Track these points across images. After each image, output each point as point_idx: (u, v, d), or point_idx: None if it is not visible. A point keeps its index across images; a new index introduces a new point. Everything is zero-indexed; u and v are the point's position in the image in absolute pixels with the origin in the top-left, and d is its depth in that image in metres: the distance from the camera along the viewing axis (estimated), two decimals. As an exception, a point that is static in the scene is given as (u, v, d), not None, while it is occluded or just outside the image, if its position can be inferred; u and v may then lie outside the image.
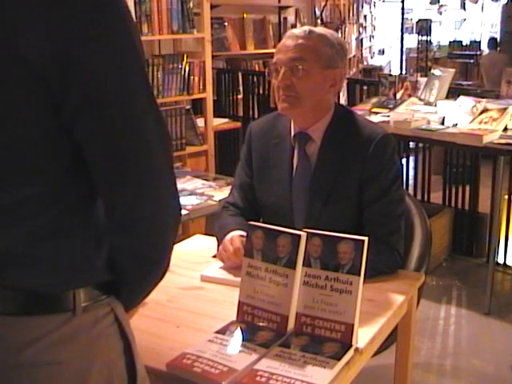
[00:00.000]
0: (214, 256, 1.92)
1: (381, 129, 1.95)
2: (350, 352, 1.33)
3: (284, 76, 1.84)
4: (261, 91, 5.29)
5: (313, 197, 1.91)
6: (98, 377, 0.94)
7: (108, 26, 0.86)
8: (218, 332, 1.41)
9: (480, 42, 11.11)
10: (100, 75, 0.86)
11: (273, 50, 1.95)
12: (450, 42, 11.25)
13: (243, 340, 1.38)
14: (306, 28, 1.90)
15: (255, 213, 2.02)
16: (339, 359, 1.30)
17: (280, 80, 1.85)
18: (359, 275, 1.35)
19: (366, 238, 1.37)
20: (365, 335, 1.42)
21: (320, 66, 1.84)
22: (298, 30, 1.89)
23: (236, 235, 1.84)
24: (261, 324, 1.43)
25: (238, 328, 1.42)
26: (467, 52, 10.46)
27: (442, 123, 3.55)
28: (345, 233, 1.40)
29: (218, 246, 1.93)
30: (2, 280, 0.90)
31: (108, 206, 0.94)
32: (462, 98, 3.61)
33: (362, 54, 10.22)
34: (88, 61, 0.84)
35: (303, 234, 1.41)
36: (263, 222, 1.91)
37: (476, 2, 12.71)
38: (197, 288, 1.74)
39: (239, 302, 1.47)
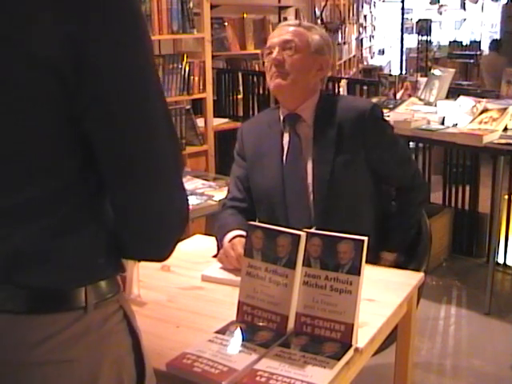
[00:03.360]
0: (214, 256, 1.92)
1: (368, 100, 2.11)
2: (350, 352, 1.33)
3: (277, 54, 1.97)
4: (261, 91, 5.28)
5: (316, 177, 1.98)
6: (108, 374, 0.94)
7: (116, 26, 0.86)
8: (217, 332, 1.41)
9: (480, 42, 11.10)
10: (106, 75, 0.86)
11: (273, 50, 2.07)
12: (450, 42, 11.23)
13: (243, 340, 1.38)
14: (297, 21, 2.12)
15: (253, 203, 2.09)
16: (339, 359, 1.30)
17: (273, 58, 1.97)
18: (359, 275, 1.35)
19: (365, 238, 1.37)
20: (365, 335, 1.42)
21: (309, 50, 1.99)
22: (290, 22, 2.12)
23: (237, 239, 1.84)
24: (261, 324, 1.43)
25: (238, 328, 1.42)
26: (467, 52, 10.45)
27: (442, 123, 3.55)
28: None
29: (218, 245, 1.93)
30: (13, 278, 0.90)
31: (114, 204, 0.95)
32: (461, 98, 3.60)
33: (361, 54, 10.24)
34: (94, 60, 0.85)
35: (303, 233, 1.41)
36: (257, 210, 2.05)
37: (476, 2, 12.72)
38: (197, 288, 1.74)
39: (239, 302, 1.47)
